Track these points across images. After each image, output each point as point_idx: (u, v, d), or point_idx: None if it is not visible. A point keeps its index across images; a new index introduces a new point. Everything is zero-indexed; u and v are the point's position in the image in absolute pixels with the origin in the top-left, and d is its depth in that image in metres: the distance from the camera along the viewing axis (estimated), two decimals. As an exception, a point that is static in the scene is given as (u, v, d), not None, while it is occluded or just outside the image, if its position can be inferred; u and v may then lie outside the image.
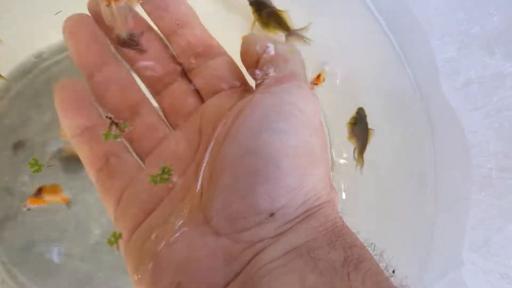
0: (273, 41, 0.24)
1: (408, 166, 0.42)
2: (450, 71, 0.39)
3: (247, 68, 0.24)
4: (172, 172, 0.23)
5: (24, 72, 0.41)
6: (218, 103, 0.24)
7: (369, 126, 0.40)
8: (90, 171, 0.24)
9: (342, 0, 0.42)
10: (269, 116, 0.20)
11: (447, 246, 0.40)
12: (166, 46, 0.26)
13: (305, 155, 0.20)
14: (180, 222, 0.21)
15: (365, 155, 0.40)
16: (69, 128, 0.24)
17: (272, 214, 0.19)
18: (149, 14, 0.25)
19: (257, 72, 0.23)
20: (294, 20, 0.39)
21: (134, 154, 0.25)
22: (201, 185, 0.21)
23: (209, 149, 0.22)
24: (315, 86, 0.41)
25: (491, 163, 0.37)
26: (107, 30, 0.25)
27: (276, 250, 0.18)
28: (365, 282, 0.16)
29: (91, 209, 0.40)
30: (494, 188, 0.37)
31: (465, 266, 0.38)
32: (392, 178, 0.42)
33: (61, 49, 0.41)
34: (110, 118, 0.23)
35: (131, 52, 0.25)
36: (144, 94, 0.25)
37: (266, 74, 0.23)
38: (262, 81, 0.23)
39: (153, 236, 0.21)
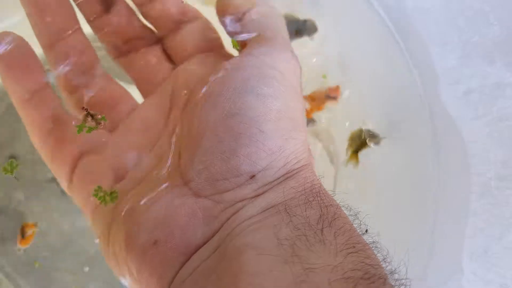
0: (252, 1, 0.23)
1: (409, 174, 0.42)
2: (451, 80, 0.38)
3: (228, 32, 0.24)
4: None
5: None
6: (191, 67, 0.24)
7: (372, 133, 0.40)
8: (36, 137, 0.23)
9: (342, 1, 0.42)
10: (251, 79, 0.20)
11: (446, 255, 0.40)
12: (134, 14, 0.25)
13: (287, 119, 0.20)
14: (157, 184, 0.21)
15: (364, 162, 0.40)
16: (15, 93, 0.22)
17: (253, 176, 0.19)
18: None
19: (228, 21, 0.23)
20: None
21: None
22: (178, 149, 0.21)
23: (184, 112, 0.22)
24: (332, 102, 0.40)
25: (491, 172, 0.38)
26: None
27: (254, 208, 0.19)
28: (337, 237, 0.17)
29: (85, 229, 0.39)
30: (494, 197, 0.37)
31: (465, 275, 0.38)
32: (392, 186, 0.41)
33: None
34: (85, 109, 0.22)
35: (95, 8, 0.24)
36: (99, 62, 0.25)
37: (240, 22, 0.22)
38: (244, 44, 0.23)
39: (127, 197, 0.21)
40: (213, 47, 0.25)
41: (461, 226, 0.38)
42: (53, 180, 0.39)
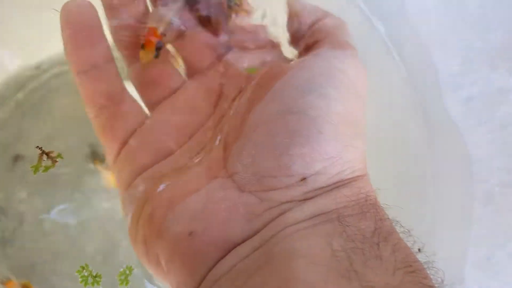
0: (325, 12, 0.23)
1: (407, 181, 0.41)
2: (453, 86, 0.38)
3: (293, 37, 0.23)
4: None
5: (22, 83, 0.40)
6: (244, 60, 0.23)
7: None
8: (90, 109, 0.23)
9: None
10: (317, 78, 0.19)
11: (448, 263, 0.39)
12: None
13: (350, 125, 0.19)
14: (197, 172, 0.20)
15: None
16: (74, 63, 0.22)
17: (304, 179, 0.18)
18: None
19: (297, 25, 0.23)
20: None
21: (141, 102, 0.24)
22: (224, 139, 0.21)
23: (237, 102, 0.21)
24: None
25: (495, 179, 0.37)
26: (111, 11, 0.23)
27: (303, 212, 0.17)
28: (395, 253, 0.16)
29: (89, 227, 0.39)
30: (497, 204, 0.37)
31: (467, 284, 0.37)
32: (389, 194, 0.41)
33: (61, 61, 0.41)
34: (40, 148, 0.22)
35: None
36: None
37: (316, 41, 0.22)
38: (312, 46, 0.22)
39: (165, 182, 0.20)
40: (268, 42, 0.25)
41: (464, 234, 0.38)
42: (63, 175, 0.39)
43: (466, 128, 0.38)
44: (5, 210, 0.38)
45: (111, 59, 0.23)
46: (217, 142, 0.21)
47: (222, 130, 0.21)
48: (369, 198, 0.18)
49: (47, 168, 0.22)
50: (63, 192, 0.39)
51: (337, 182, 0.18)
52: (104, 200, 0.40)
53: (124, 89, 0.23)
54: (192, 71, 0.24)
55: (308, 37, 0.23)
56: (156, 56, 0.23)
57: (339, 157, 0.18)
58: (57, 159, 0.22)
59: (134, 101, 0.24)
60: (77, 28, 0.21)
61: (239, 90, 0.22)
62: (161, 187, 0.20)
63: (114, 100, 0.23)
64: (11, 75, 0.40)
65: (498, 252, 0.37)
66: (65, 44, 0.22)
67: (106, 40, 0.22)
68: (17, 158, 0.39)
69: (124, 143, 0.22)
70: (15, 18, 0.38)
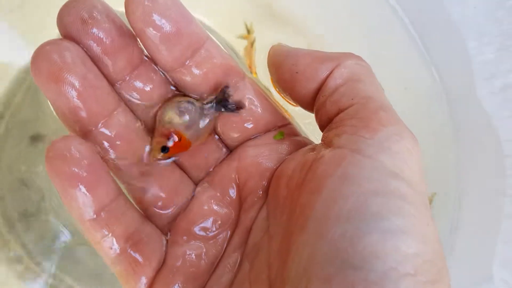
0: (335, 57, 0.18)
1: (430, 176, 0.40)
2: (487, 74, 0.36)
3: (299, 101, 0.19)
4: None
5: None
6: (259, 154, 0.20)
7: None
8: (105, 255, 0.20)
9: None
10: (371, 203, 0.14)
11: (475, 261, 0.38)
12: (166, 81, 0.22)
13: (428, 266, 0.14)
14: None
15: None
16: (79, 213, 0.18)
17: None
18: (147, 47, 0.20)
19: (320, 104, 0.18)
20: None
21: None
22: (268, 277, 0.17)
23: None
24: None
25: (528, 175, 0.35)
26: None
27: None
28: None
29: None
30: (531, 201, 0.35)
31: (495, 284, 0.35)
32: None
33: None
34: None
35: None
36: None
37: (340, 110, 0.17)
38: (333, 122, 0.17)
39: None
40: (277, 122, 0.21)
41: (494, 231, 0.36)
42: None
43: (500, 119, 0.36)
44: (28, 182, 0.39)
45: (119, 194, 0.20)
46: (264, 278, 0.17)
47: (257, 258, 0.18)
48: None
49: None
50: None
51: None
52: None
53: (141, 225, 0.20)
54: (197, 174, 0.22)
55: (324, 104, 0.18)
56: (165, 153, 0.21)
57: None
58: None
59: (153, 229, 0.21)
60: (71, 177, 0.18)
61: (263, 193, 0.19)
62: None
63: (134, 240, 0.20)
64: (27, 60, 0.40)
65: (530, 252, 0.35)
66: (60, 191, 0.18)
67: (107, 174, 0.19)
68: (36, 138, 0.39)
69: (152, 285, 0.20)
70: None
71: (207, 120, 0.21)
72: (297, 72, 0.18)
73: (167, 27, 0.18)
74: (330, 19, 0.40)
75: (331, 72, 0.17)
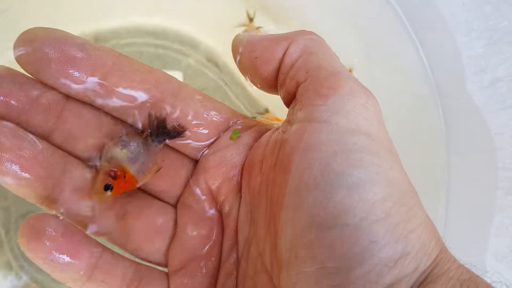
0: (289, 36, 0.18)
1: (421, 170, 0.40)
2: (476, 69, 0.37)
3: (265, 85, 0.19)
4: None
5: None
6: (222, 154, 0.20)
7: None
8: None
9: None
10: (333, 163, 0.15)
11: (468, 255, 0.38)
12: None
13: (398, 206, 0.15)
14: None
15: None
16: (73, 279, 0.19)
17: None
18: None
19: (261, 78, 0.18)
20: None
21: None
22: (262, 262, 0.18)
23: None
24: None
25: (519, 167, 0.35)
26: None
27: None
28: None
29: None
30: (522, 193, 0.35)
31: (489, 276, 0.35)
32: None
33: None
34: None
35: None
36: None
37: (297, 84, 0.17)
38: (295, 98, 0.17)
39: None
40: (230, 116, 0.21)
41: (486, 224, 0.36)
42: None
43: (490, 113, 0.36)
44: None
45: (103, 250, 0.20)
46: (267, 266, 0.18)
47: (249, 252, 0.19)
48: (463, 280, 0.15)
49: None
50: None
51: (418, 279, 0.15)
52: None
53: (134, 264, 0.21)
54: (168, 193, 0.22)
55: (284, 82, 0.18)
56: (111, 191, 0.20)
57: (406, 253, 0.14)
58: None
59: (149, 268, 0.22)
60: (51, 252, 0.19)
61: (236, 195, 0.20)
62: None
63: (134, 283, 0.21)
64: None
65: (523, 244, 0.35)
66: (42, 264, 0.19)
67: (84, 236, 0.20)
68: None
69: None
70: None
71: (151, 154, 0.20)
72: (256, 57, 0.18)
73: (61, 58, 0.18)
74: (325, 16, 0.41)
75: (286, 50, 0.18)
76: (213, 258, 0.21)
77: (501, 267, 0.35)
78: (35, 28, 0.19)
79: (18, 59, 0.19)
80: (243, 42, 0.19)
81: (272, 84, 0.19)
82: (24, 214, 0.38)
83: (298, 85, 0.17)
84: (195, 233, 0.21)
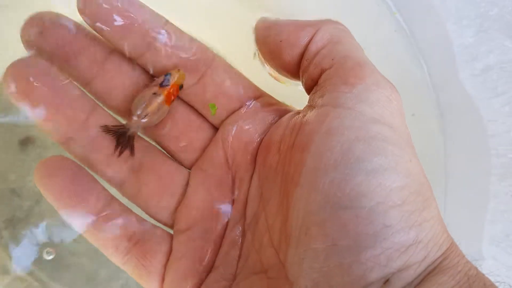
0: (314, 23, 0.18)
1: (420, 159, 0.40)
2: (468, 57, 0.37)
3: (287, 69, 0.20)
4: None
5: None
6: (241, 128, 0.21)
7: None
8: (114, 258, 0.21)
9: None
10: (354, 149, 0.15)
11: (465, 241, 0.38)
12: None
13: (414, 196, 0.15)
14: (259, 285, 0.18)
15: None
16: (78, 223, 0.21)
17: (386, 281, 0.15)
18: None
19: (287, 61, 0.19)
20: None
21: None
22: (270, 238, 0.18)
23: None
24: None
25: (512, 153, 0.36)
26: None
27: None
28: None
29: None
30: (516, 179, 0.36)
31: (486, 261, 0.36)
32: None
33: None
34: None
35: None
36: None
37: (322, 71, 0.17)
38: (317, 84, 0.18)
39: None
40: (254, 94, 0.22)
41: (481, 210, 0.37)
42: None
43: (482, 100, 0.37)
44: (18, 190, 0.39)
45: (111, 199, 0.21)
46: (264, 241, 0.18)
47: (257, 226, 0.19)
48: (469, 276, 0.15)
49: None
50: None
51: (426, 268, 0.15)
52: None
53: (140, 220, 0.22)
54: (188, 159, 0.22)
55: (307, 68, 0.18)
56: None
57: (418, 242, 0.15)
58: None
59: (153, 226, 0.22)
60: (60, 184, 0.20)
61: (252, 163, 0.20)
62: None
63: (137, 238, 0.21)
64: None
65: (517, 228, 0.35)
66: (52, 201, 0.20)
67: (96, 183, 0.21)
68: (26, 141, 0.39)
69: (162, 280, 0.21)
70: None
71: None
72: (281, 41, 0.19)
73: (118, 20, 0.20)
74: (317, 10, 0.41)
75: (312, 37, 0.18)
76: (219, 226, 0.21)
77: (497, 252, 0.36)
78: None
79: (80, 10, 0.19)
80: (268, 25, 0.20)
81: (293, 69, 0.19)
82: (10, 218, 0.38)
83: (322, 72, 0.18)
84: (205, 196, 0.21)
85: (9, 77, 0.20)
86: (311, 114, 0.18)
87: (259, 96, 0.22)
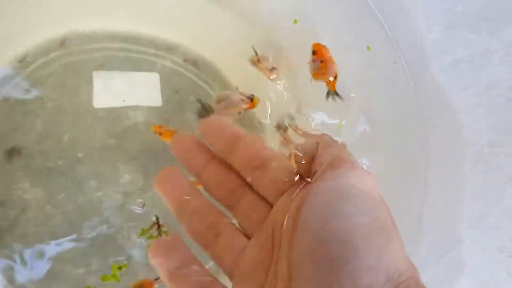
0: (318, 138, 0.25)
1: (397, 148, 0.42)
2: (437, 52, 0.39)
3: (302, 172, 0.26)
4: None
5: (7, 77, 0.40)
6: (285, 203, 0.25)
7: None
8: None
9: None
10: (332, 201, 0.21)
11: (444, 226, 0.40)
12: (228, 166, 0.28)
13: (378, 231, 0.20)
14: None
15: (354, 133, 0.41)
16: (162, 268, 0.25)
17: None
18: (205, 136, 0.28)
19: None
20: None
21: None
22: (283, 282, 0.22)
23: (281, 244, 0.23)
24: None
25: (483, 140, 0.38)
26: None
27: None
28: None
29: (85, 213, 0.40)
30: (487, 164, 0.38)
31: (464, 244, 0.38)
32: (380, 159, 0.42)
33: (46, 51, 0.41)
34: (157, 218, 0.26)
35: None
36: (221, 212, 0.27)
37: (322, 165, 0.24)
38: (315, 172, 0.24)
39: None
40: (297, 178, 0.26)
41: (457, 195, 0.39)
42: (61, 166, 0.40)
43: (453, 92, 0.39)
44: (3, 200, 0.39)
45: (194, 258, 0.26)
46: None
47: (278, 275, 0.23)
48: None
49: (150, 237, 0.26)
50: (58, 182, 0.39)
51: None
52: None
53: (211, 281, 0.26)
54: (250, 231, 0.27)
55: (315, 166, 0.25)
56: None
57: (380, 263, 0.19)
58: (163, 235, 0.26)
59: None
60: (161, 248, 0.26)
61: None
62: None
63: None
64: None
65: (492, 210, 0.38)
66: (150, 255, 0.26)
67: (184, 245, 0.26)
68: (12, 151, 0.39)
69: None
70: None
71: None
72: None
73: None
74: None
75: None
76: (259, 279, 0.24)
77: (473, 234, 0.38)
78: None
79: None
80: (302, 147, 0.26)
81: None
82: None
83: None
84: (258, 256, 0.25)
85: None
86: (307, 187, 0.24)
87: (301, 178, 0.27)
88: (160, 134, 0.38)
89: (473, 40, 0.38)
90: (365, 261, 0.19)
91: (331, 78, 0.35)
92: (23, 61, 0.40)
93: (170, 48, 0.43)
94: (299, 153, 0.26)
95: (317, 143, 0.26)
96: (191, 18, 0.43)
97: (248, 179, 0.27)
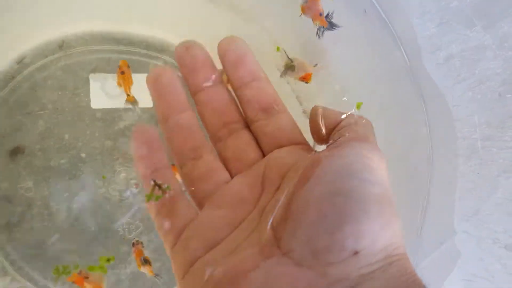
0: (347, 115, 0.25)
1: (396, 143, 0.43)
2: (432, 47, 0.39)
3: (317, 139, 0.26)
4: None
5: (6, 79, 0.41)
6: (282, 156, 0.26)
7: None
8: (151, 209, 0.26)
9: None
10: (354, 165, 0.21)
11: (439, 218, 0.41)
12: (233, 99, 0.28)
13: (388, 204, 0.21)
14: (252, 254, 0.22)
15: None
16: (140, 170, 0.26)
17: (356, 252, 0.19)
18: (224, 66, 0.27)
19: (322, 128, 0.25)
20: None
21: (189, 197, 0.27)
22: (272, 222, 0.22)
23: (285, 192, 0.23)
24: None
25: (477, 134, 0.39)
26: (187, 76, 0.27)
27: None
28: None
29: (87, 209, 0.41)
30: (480, 158, 0.38)
31: (458, 236, 0.39)
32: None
33: (44, 52, 0.41)
34: (154, 181, 0.26)
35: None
36: (205, 140, 0.27)
37: (342, 137, 0.24)
38: (335, 141, 0.24)
39: (221, 266, 0.22)
40: (299, 141, 0.27)
41: (451, 188, 0.39)
42: (64, 164, 0.41)
43: (446, 87, 0.39)
44: (10, 197, 0.40)
45: (169, 165, 0.27)
46: (268, 225, 0.22)
47: (267, 216, 0.23)
48: (415, 279, 0.20)
49: (157, 198, 0.26)
50: (62, 180, 0.40)
51: (385, 258, 0.20)
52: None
53: (178, 192, 0.26)
54: (235, 168, 0.27)
55: (333, 135, 0.25)
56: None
57: (383, 231, 0.20)
58: (166, 190, 0.26)
59: (188, 201, 0.27)
60: (141, 144, 0.26)
61: (280, 180, 0.25)
62: (219, 270, 0.22)
63: (172, 201, 0.26)
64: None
65: (485, 203, 0.38)
66: (134, 154, 0.26)
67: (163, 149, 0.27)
68: (16, 150, 0.40)
69: (179, 236, 0.25)
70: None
71: None
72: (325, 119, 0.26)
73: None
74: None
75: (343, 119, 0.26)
76: (239, 216, 0.25)
77: (467, 227, 0.39)
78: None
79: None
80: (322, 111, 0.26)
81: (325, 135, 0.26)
82: (5, 223, 0.39)
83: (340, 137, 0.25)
84: (241, 190, 0.26)
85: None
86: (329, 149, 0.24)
87: (303, 143, 0.27)
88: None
89: (467, 35, 0.38)
90: (370, 225, 0.19)
91: (321, 14, 0.37)
92: (21, 62, 0.41)
93: (163, 50, 0.44)
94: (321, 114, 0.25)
95: (341, 115, 0.25)
96: (186, 17, 0.44)
97: (250, 118, 0.27)
